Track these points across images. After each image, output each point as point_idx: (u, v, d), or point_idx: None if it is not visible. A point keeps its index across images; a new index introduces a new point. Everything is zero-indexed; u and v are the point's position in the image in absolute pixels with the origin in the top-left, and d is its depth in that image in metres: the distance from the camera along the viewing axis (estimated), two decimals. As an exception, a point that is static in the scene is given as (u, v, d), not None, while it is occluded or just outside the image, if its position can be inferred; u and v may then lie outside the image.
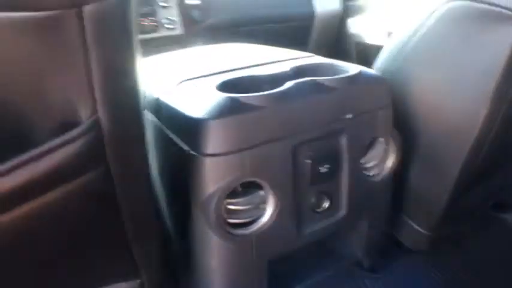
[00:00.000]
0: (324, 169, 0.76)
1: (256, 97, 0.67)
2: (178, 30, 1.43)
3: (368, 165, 0.85)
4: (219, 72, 0.82)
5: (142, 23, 1.32)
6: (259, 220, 0.72)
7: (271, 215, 0.72)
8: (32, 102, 0.45)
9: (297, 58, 0.90)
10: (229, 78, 0.76)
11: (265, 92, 0.68)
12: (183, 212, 0.71)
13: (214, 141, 0.65)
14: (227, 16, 1.59)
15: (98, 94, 0.44)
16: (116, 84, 0.45)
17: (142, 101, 0.54)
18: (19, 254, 0.49)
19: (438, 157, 0.93)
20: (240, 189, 0.70)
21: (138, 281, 0.66)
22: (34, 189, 0.45)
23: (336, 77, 0.75)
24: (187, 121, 0.67)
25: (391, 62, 0.94)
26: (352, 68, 0.81)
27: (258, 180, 0.69)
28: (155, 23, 1.36)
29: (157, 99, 0.77)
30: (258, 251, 0.73)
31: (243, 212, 0.71)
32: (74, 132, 0.45)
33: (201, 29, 1.49)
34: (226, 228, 0.69)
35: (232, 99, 0.66)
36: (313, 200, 0.78)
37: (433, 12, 0.85)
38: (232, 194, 0.69)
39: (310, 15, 1.83)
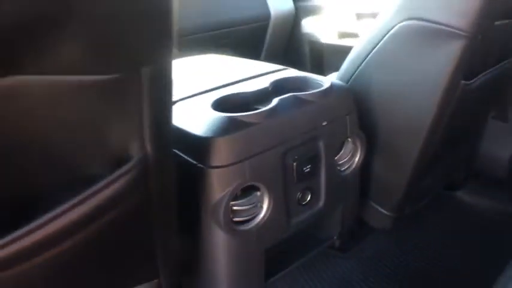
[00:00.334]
0: (306, 169, 0.90)
1: (251, 115, 0.80)
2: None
3: (340, 162, 1.00)
4: (208, 90, 0.94)
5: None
6: (257, 216, 0.86)
7: (266, 211, 0.86)
8: (92, 143, 0.56)
9: (273, 72, 1.04)
10: (221, 96, 0.88)
11: (258, 111, 0.81)
12: (193, 215, 0.84)
13: (219, 155, 0.77)
14: (189, 24, 1.67)
15: (146, 134, 0.56)
16: (159, 125, 0.57)
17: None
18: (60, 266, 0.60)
19: (396, 150, 1.09)
20: (240, 192, 0.83)
21: (156, 280, 0.77)
22: (94, 214, 0.57)
23: (313, 91, 0.89)
24: (194, 139, 0.79)
25: (353, 70, 1.08)
26: (323, 81, 0.95)
27: (255, 183, 0.83)
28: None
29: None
30: (257, 241, 0.87)
31: (244, 211, 0.84)
32: (127, 166, 0.57)
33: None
34: (232, 226, 0.82)
35: (231, 119, 0.79)
36: (299, 195, 0.92)
37: (390, 29, 1.01)
38: (235, 196, 0.82)
39: (267, 17, 1.95)
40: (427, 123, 1.02)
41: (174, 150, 0.84)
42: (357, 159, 1.02)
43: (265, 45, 1.98)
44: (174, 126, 0.85)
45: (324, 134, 0.91)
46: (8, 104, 0.47)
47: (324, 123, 0.91)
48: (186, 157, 0.80)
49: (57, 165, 0.55)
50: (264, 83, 0.94)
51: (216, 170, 0.78)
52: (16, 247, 0.51)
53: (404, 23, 1.00)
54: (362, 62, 1.07)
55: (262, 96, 0.89)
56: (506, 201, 1.50)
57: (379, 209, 1.19)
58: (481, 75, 1.11)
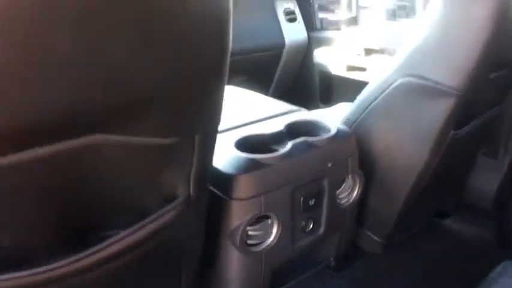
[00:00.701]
0: (311, 202, 1.06)
1: (268, 158, 0.96)
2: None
3: (340, 196, 1.15)
4: (232, 128, 1.10)
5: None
6: (267, 240, 1.01)
7: (275, 236, 1.01)
8: (147, 185, 0.71)
9: (288, 113, 1.20)
10: (243, 137, 1.03)
11: (274, 154, 0.97)
12: (213, 238, 0.99)
13: (240, 190, 0.93)
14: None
15: (191, 179, 0.72)
16: (203, 171, 0.73)
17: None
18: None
19: (390, 186, 1.25)
20: (254, 220, 0.99)
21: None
22: (142, 241, 0.72)
23: (321, 138, 1.05)
24: (221, 175, 0.94)
25: (358, 115, 1.25)
26: (330, 127, 1.10)
27: (268, 213, 0.99)
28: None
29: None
30: (266, 262, 1.03)
31: (256, 235, 1.00)
32: (174, 203, 0.72)
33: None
34: (246, 247, 0.98)
35: (251, 159, 0.95)
36: (303, 223, 1.08)
37: (391, 84, 1.17)
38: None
39: (281, 45, 2.10)
40: (419, 165, 1.18)
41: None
42: (355, 193, 1.17)
43: (278, 72, 2.12)
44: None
45: (328, 173, 1.07)
46: (89, 155, 0.61)
47: (329, 165, 1.06)
48: (213, 189, 0.96)
49: (117, 201, 0.70)
50: (279, 125, 1.09)
51: (237, 201, 0.94)
52: (78, 265, 0.63)
53: (404, 79, 1.15)
54: (365, 110, 1.23)
55: (278, 138, 1.05)
56: (492, 230, 1.63)
57: (372, 236, 1.35)
58: (472, 122, 1.27)
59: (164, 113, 0.62)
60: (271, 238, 1.01)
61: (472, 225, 1.68)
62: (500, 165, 1.58)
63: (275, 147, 1.03)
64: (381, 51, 1.96)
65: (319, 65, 2.12)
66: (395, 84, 1.16)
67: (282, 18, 2.11)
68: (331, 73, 2.06)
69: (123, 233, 0.69)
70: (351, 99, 1.86)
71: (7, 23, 0.42)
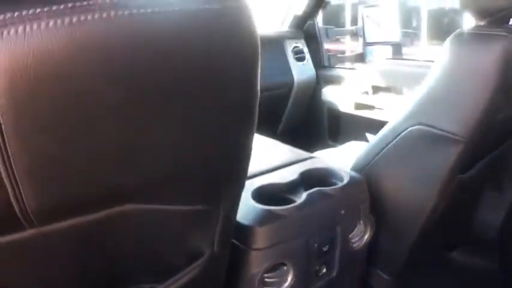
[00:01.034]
0: (325, 248, 1.11)
1: (284, 210, 1.02)
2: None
3: (352, 240, 1.21)
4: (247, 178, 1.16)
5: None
6: (283, 286, 1.06)
7: (290, 282, 1.06)
8: (175, 245, 0.77)
9: (302, 161, 1.26)
10: (259, 187, 1.09)
11: (290, 206, 1.03)
12: (231, 284, 1.04)
13: (258, 241, 0.99)
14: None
15: (216, 238, 0.78)
16: (227, 231, 0.79)
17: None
18: None
19: (399, 228, 1.30)
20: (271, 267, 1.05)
21: None
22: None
23: (335, 187, 1.11)
24: (239, 227, 1.00)
25: (369, 161, 1.31)
26: (343, 175, 1.16)
27: (284, 261, 1.04)
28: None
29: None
30: (282, 306, 1.08)
31: (272, 282, 1.05)
32: (200, 261, 0.78)
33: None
34: (263, 293, 1.04)
35: (268, 211, 1.01)
36: (316, 267, 1.13)
37: (402, 131, 1.23)
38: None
39: (291, 83, 2.17)
40: (427, 207, 1.24)
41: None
42: (366, 236, 1.22)
43: (287, 110, 2.18)
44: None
45: (341, 220, 1.13)
46: (119, 222, 0.65)
47: (342, 212, 1.12)
48: (233, 240, 1.01)
49: (143, 260, 0.76)
50: (293, 173, 1.15)
51: (256, 251, 0.99)
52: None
53: (414, 127, 1.22)
54: (376, 155, 1.29)
55: (293, 187, 1.11)
56: (497, 261, 1.66)
57: (382, 274, 1.39)
58: (477, 165, 1.32)
59: (192, 186, 0.68)
60: (287, 284, 1.06)
61: (478, 257, 1.71)
62: (505, 197, 1.62)
63: (290, 196, 1.09)
64: (388, 89, 2.02)
65: (328, 102, 2.18)
66: (406, 132, 1.22)
67: (290, 57, 2.18)
68: (339, 111, 2.12)
69: None
70: (359, 136, 1.93)
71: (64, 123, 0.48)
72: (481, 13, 1.16)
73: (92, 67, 0.46)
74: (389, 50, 2.73)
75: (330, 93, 2.18)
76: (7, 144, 0.46)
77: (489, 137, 1.25)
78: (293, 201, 1.06)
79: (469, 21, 1.23)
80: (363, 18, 2.26)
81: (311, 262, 1.10)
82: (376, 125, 1.93)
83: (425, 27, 6.15)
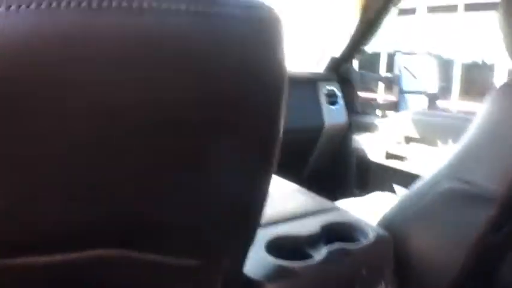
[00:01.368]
0: (345, 311, 1.00)
1: (301, 267, 0.92)
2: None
3: (373, 302, 1.10)
4: (262, 226, 1.07)
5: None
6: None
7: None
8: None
9: (324, 211, 1.16)
10: (274, 238, 1.00)
11: (308, 263, 0.93)
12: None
13: (269, 298, 0.89)
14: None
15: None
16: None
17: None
18: None
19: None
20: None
21: None
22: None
23: (359, 246, 1.01)
24: (247, 280, 0.91)
25: (397, 217, 1.20)
26: (368, 231, 1.06)
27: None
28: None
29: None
30: None
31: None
32: None
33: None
34: None
35: (283, 267, 0.91)
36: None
37: (435, 188, 1.13)
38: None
39: (320, 127, 2.10)
40: (455, 269, 1.12)
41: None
42: (388, 300, 1.11)
43: (315, 154, 2.11)
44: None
45: (361, 280, 1.02)
46: (114, 266, 0.60)
47: (364, 272, 1.01)
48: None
49: None
50: (315, 225, 1.06)
51: (266, 310, 0.89)
52: None
53: (447, 183, 1.11)
54: (406, 211, 1.18)
55: (313, 240, 1.01)
56: None
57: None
58: (508, 225, 1.21)
59: (184, 235, 0.60)
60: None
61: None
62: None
63: (308, 250, 0.99)
64: (422, 141, 1.93)
65: (358, 149, 2.09)
66: (439, 189, 1.12)
67: (323, 100, 2.11)
68: (369, 159, 2.03)
69: None
70: (386, 187, 1.83)
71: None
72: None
73: None
74: (424, 100, 2.65)
75: (361, 140, 2.09)
76: None
77: None
78: (310, 256, 0.96)
79: (500, 77, 1.17)
80: (399, 66, 2.18)
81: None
82: (404, 177, 1.83)
83: (458, 81, 6.04)
